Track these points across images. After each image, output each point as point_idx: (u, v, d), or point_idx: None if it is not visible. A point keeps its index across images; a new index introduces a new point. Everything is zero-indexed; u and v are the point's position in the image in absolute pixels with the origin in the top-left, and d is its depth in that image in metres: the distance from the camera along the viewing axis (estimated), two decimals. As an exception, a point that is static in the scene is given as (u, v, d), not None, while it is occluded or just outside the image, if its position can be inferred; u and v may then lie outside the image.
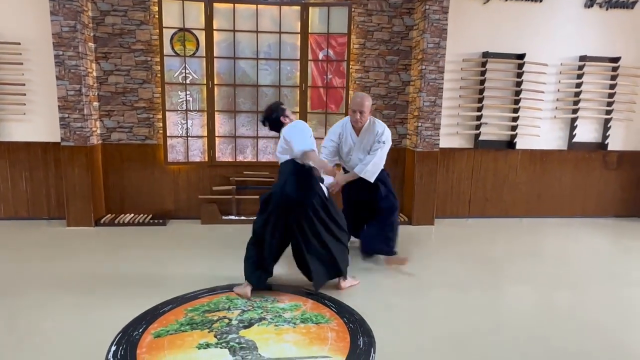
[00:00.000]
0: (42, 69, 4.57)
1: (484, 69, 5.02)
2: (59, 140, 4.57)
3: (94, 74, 4.70)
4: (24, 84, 4.57)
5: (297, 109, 4.95)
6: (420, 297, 3.18)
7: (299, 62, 4.87)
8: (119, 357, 2.30)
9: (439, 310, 2.98)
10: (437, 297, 3.19)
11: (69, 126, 4.48)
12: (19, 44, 4.50)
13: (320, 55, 4.86)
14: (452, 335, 2.64)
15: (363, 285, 3.34)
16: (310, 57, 4.86)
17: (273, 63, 4.86)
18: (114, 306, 2.88)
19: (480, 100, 5.08)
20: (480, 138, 5.18)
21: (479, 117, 5.12)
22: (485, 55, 5.00)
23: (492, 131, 5.18)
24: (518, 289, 3.41)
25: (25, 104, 4.60)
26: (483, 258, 4.02)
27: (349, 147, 3.74)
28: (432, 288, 3.34)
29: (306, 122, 4.93)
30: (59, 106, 4.44)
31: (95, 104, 4.74)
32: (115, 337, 2.48)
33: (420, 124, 4.82)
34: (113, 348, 2.37)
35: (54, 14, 4.28)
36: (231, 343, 2.45)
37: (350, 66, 4.92)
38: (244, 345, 2.43)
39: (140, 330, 2.56)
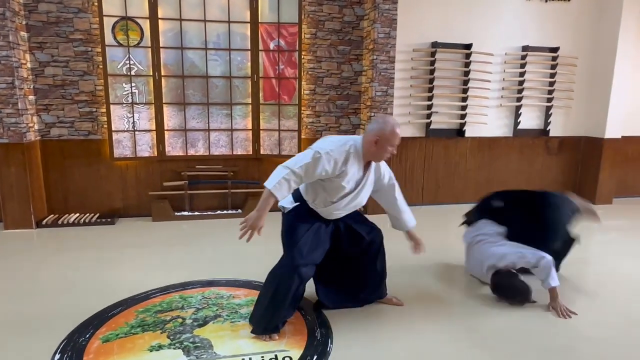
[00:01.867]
0: (-32, 60, 4.21)
1: (433, 58, 5.11)
2: (-9, 137, 4.25)
3: (28, 65, 4.39)
4: (-53, 77, 4.20)
5: (250, 101, 4.85)
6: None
7: (249, 52, 4.76)
8: (63, 365, 2.17)
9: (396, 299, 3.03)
10: (391, 286, 3.24)
11: (2, 122, 4.16)
12: (-60, 32, 4.12)
13: (272, 46, 4.78)
14: (407, 322, 2.69)
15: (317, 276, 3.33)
16: (261, 47, 4.77)
17: (223, 53, 4.73)
18: (57, 312, 2.72)
19: (431, 89, 5.18)
20: (431, 127, 5.29)
21: (429, 107, 5.22)
22: (435, 45, 5.10)
23: (442, 120, 5.31)
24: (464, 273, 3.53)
25: (-50, 99, 4.23)
26: (435, 245, 4.12)
27: (353, 186, 2.48)
28: (390, 278, 3.38)
29: (260, 113, 4.89)
30: (-11, 100, 4.12)
31: (31, 97, 4.43)
32: (60, 345, 2.34)
33: (373, 114, 4.86)
34: (57, 357, 2.24)
35: (-21, 0, 3.94)
36: (185, 343, 2.38)
37: (302, 56, 4.87)
38: (199, 344, 2.37)
39: (87, 335, 2.43)
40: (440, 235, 4.40)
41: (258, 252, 3.82)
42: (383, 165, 2.68)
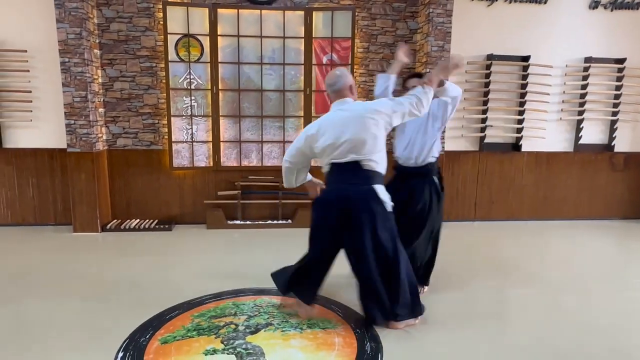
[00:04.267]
0: (48, 76, 4.60)
1: (488, 71, 5.00)
2: (65, 146, 4.59)
3: (100, 80, 4.73)
4: (30, 91, 4.61)
5: (302, 113, 4.96)
6: (427, 303, 3.16)
7: (303, 66, 4.87)
8: (126, 363, 2.30)
9: (446, 315, 2.96)
10: (444, 302, 3.17)
11: (75, 132, 4.50)
12: (26, 51, 4.54)
13: (324, 60, 4.87)
14: (460, 341, 2.62)
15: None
16: (314, 61, 4.87)
17: (277, 68, 4.87)
18: (120, 312, 2.89)
19: (485, 102, 5.06)
20: (486, 141, 5.16)
21: (484, 120, 5.10)
22: (490, 57, 4.99)
23: (497, 134, 5.16)
24: (524, 292, 3.38)
25: (31, 111, 4.64)
26: (489, 262, 4.00)
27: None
28: (439, 293, 3.31)
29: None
30: (65, 113, 4.47)
31: (101, 110, 4.76)
32: (123, 344, 2.48)
33: (425, 127, 4.81)
34: (120, 354, 2.38)
35: (59, 21, 4.31)
36: (238, 349, 2.44)
37: (355, 70, 4.92)
38: (251, 351, 2.43)
39: (147, 336, 2.56)
40: (494, 251, 4.26)
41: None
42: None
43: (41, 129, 4.71)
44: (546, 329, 2.77)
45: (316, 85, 4.93)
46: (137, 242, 4.42)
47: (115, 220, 4.94)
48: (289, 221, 4.99)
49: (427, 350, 2.51)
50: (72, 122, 4.48)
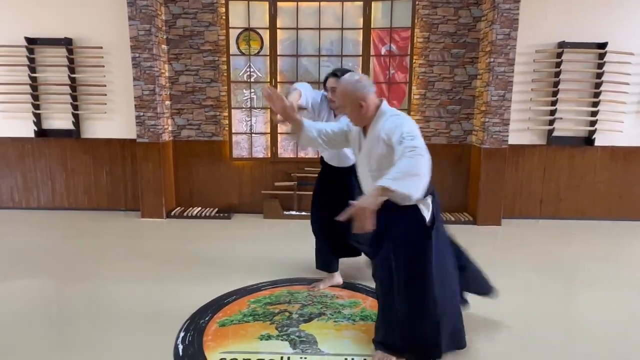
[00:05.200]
0: (120, 70, 4.90)
1: (559, 60, 4.69)
2: (135, 137, 4.88)
3: (167, 74, 4.96)
4: (105, 85, 4.93)
5: (359, 105, 4.92)
6: (486, 301, 3.05)
7: (360, 57, 4.83)
8: (187, 342, 2.42)
9: (505, 315, 2.84)
10: (504, 302, 3.04)
11: (144, 124, 4.77)
12: (101, 47, 4.87)
13: (383, 51, 4.80)
14: (520, 341, 2.51)
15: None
16: (372, 52, 4.81)
17: (335, 59, 4.87)
18: (182, 294, 3.04)
19: (555, 93, 4.76)
20: (554, 134, 4.85)
21: (552, 112, 4.80)
22: (561, 45, 4.67)
23: (567, 127, 4.84)
24: (592, 296, 3.17)
25: (106, 104, 4.97)
26: (554, 262, 3.78)
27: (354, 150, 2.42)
28: (500, 292, 3.18)
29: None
30: (135, 105, 4.75)
31: (167, 102, 5.01)
32: (184, 324, 2.61)
33: (487, 120, 4.61)
34: (182, 334, 2.51)
35: (131, 19, 4.57)
36: (292, 336, 2.49)
37: (414, 60, 4.81)
38: (304, 339, 2.47)
39: (207, 318, 2.68)
40: (564, 250, 4.02)
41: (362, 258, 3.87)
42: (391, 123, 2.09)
43: (114, 120, 5.04)
44: (615, 336, 2.58)
45: (374, 77, 4.87)
46: (198, 228, 4.62)
47: (179, 207, 5.20)
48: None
49: (484, 349, 2.43)
50: (142, 114, 4.75)
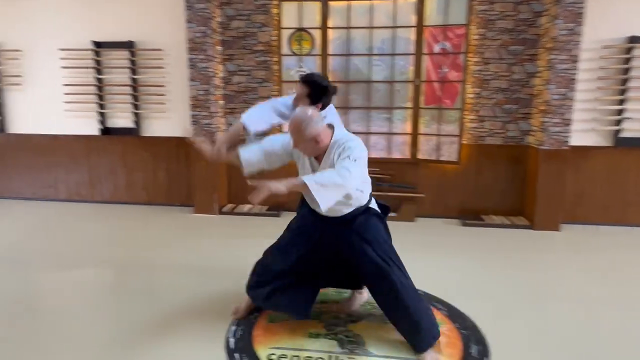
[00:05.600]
0: (178, 71, 5.10)
1: (629, 56, 4.38)
2: (189, 135, 5.06)
3: (220, 74, 5.11)
4: (164, 86, 5.16)
5: (410, 105, 4.84)
6: (540, 309, 2.91)
7: (413, 56, 4.75)
8: (237, 336, 2.48)
9: (560, 324, 2.69)
10: (558, 310, 2.89)
11: (199, 123, 4.94)
12: (161, 50, 5.09)
13: (436, 48, 4.69)
14: (575, 352, 2.37)
15: (477, 290, 3.16)
16: (425, 50, 4.71)
17: (386, 58, 4.81)
18: (233, 288, 3.12)
19: (623, 92, 4.45)
20: (622, 135, 4.54)
21: (620, 112, 4.50)
22: (633, 40, 4.36)
23: (636, 127, 4.51)
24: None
25: (164, 103, 5.19)
26: (618, 272, 3.54)
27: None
28: (553, 300, 3.03)
29: (419, 117, 4.84)
30: (190, 105, 4.93)
31: (221, 102, 5.15)
32: (234, 320, 2.68)
33: (547, 120, 4.39)
34: (233, 328, 2.57)
35: (189, 21, 4.74)
36: (340, 335, 2.49)
37: (468, 58, 4.66)
38: (352, 339, 2.46)
39: (256, 314, 2.73)
40: (630, 260, 3.76)
41: (412, 257, 3.81)
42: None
43: (171, 119, 5.26)
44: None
45: (426, 76, 4.77)
46: (248, 225, 4.73)
47: (231, 204, 5.34)
48: (393, 214, 4.93)
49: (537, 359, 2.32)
50: (196, 113, 4.92)
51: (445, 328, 2.60)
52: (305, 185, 2.05)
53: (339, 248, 2.42)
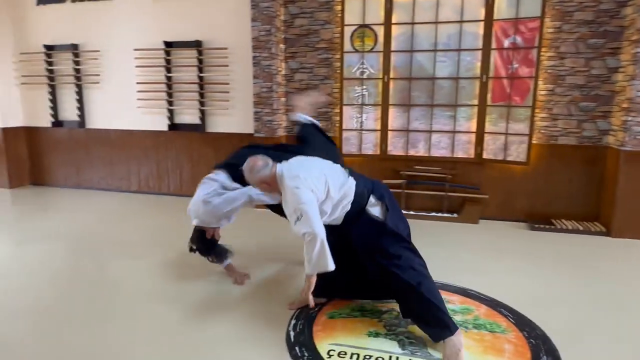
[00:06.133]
0: (242, 69, 5.24)
1: None
2: (252, 132, 5.19)
3: (283, 72, 5.18)
4: (228, 83, 5.32)
5: (476, 102, 4.65)
6: (617, 321, 2.68)
7: (480, 51, 4.56)
8: (297, 330, 2.50)
9: (638, 338, 2.47)
10: (637, 323, 2.65)
11: (261, 119, 5.04)
12: (226, 48, 5.25)
13: (506, 43, 4.47)
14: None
15: (547, 298, 2.97)
16: (494, 45, 4.51)
17: (452, 54, 4.65)
18: (292, 283, 3.15)
19: None
20: None
21: None
22: None
23: None
24: None
25: (228, 100, 5.36)
26: None
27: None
28: (632, 312, 2.78)
29: (486, 115, 4.64)
30: (253, 102, 5.04)
31: (283, 99, 5.23)
32: (295, 312, 2.70)
33: (630, 118, 4.04)
34: (293, 322, 2.60)
35: (254, 20, 4.85)
36: (400, 336, 2.44)
37: (542, 53, 4.40)
38: (414, 340, 2.40)
39: (316, 309, 2.74)
40: None
41: (475, 260, 3.66)
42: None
43: (234, 115, 5.41)
44: None
45: (494, 72, 4.56)
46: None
47: (289, 200, 5.40)
48: (455, 215, 4.77)
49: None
50: (259, 110, 5.03)
51: (512, 336, 2.47)
52: (309, 276, 2.53)
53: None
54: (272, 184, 2.56)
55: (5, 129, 6.16)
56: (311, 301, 2.59)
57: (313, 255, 2.38)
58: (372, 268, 2.51)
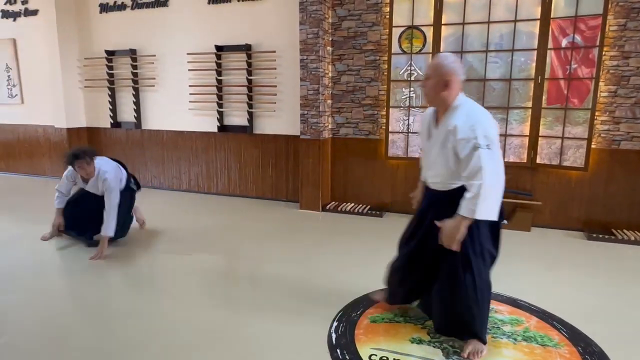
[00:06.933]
0: (289, 72, 5.31)
1: None
2: (298, 133, 5.24)
3: (330, 74, 5.20)
4: (275, 86, 5.40)
5: (529, 104, 4.46)
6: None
7: (535, 51, 4.36)
8: (339, 332, 2.50)
9: None
10: None
11: (307, 121, 5.09)
12: (274, 52, 5.34)
13: (564, 42, 4.25)
14: None
15: (604, 312, 2.79)
16: (550, 45, 4.30)
17: (504, 55, 4.49)
18: (334, 285, 3.15)
19: None
20: None
21: None
22: None
23: None
24: None
25: (275, 103, 5.44)
26: None
27: (424, 144, 2.48)
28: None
29: (541, 118, 4.44)
30: (300, 104, 5.09)
31: (329, 101, 5.25)
32: (337, 314, 2.70)
33: (703, 122, 3.74)
34: (335, 324, 2.59)
35: (302, 23, 4.90)
36: (444, 344, 2.37)
37: (604, 53, 4.15)
38: (458, 350, 2.32)
39: (358, 312, 2.72)
40: None
41: (526, 269, 3.51)
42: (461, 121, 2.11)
43: (281, 117, 5.49)
44: None
45: (550, 73, 4.35)
46: (351, 224, 4.75)
47: (334, 202, 5.42)
48: (505, 222, 4.58)
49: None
50: (305, 112, 5.07)
51: (566, 351, 2.34)
52: (466, 218, 2.08)
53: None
54: (448, 92, 2.15)
55: (69, 130, 6.59)
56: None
57: (490, 193, 2.03)
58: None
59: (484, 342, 2.28)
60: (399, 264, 2.58)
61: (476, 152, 2.03)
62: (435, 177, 2.32)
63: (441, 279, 2.31)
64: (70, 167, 3.75)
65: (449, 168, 2.20)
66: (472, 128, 2.06)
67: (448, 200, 2.21)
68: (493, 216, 2.09)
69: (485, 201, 2.03)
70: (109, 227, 3.66)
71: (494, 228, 2.29)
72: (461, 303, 2.23)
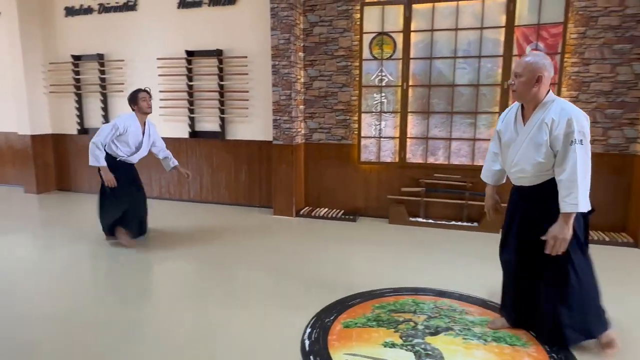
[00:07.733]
0: (261, 77, 5.29)
1: None
2: (271, 139, 5.22)
3: (302, 80, 5.21)
4: (247, 91, 5.38)
5: (497, 109, 4.58)
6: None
7: (501, 58, 4.49)
8: (312, 339, 2.49)
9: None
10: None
11: (280, 127, 5.07)
12: (246, 57, 5.31)
13: (528, 49, 4.39)
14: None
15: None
16: (515, 52, 4.44)
17: (472, 61, 4.60)
18: (307, 290, 3.14)
19: None
20: None
21: None
22: None
23: None
24: None
25: (247, 108, 5.41)
26: None
27: (507, 142, 2.44)
28: None
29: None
30: (273, 109, 5.08)
31: (301, 107, 5.25)
32: (310, 320, 2.69)
33: (658, 126, 3.92)
34: (308, 330, 2.58)
35: (273, 29, 4.90)
36: (417, 347, 2.40)
37: (565, 59, 4.31)
38: (430, 352, 2.35)
39: (332, 318, 2.72)
40: None
41: (496, 271, 3.58)
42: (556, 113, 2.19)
43: (253, 123, 5.46)
44: None
45: (516, 78, 4.48)
46: (324, 229, 4.75)
47: (308, 207, 5.41)
48: (475, 224, 4.69)
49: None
50: (278, 117, 5.06)
51: (533, 350, 2.41)
52: (571, 215, 2.17)
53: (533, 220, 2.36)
54: (538, 89, 2.21)
55: (34, 136, 6.36)
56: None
57: (585, 181, 2.15)
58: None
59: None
60: (506, 280, 2.62)
61: (572, 146, 2.11)
62: (521, 172, 2.34)
63: (547, 288, 2.36)
64: (121, 117, 4.00)
65: (538, 162, 2.24)
66: (569, 122, 2.12)
67: (535, 197, 2.32)
68: (588, 206, 2.18)
69: (583, 193, 2.12)
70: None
71: (585, 219, 2.34)
72: (575, 304, 2.31)
